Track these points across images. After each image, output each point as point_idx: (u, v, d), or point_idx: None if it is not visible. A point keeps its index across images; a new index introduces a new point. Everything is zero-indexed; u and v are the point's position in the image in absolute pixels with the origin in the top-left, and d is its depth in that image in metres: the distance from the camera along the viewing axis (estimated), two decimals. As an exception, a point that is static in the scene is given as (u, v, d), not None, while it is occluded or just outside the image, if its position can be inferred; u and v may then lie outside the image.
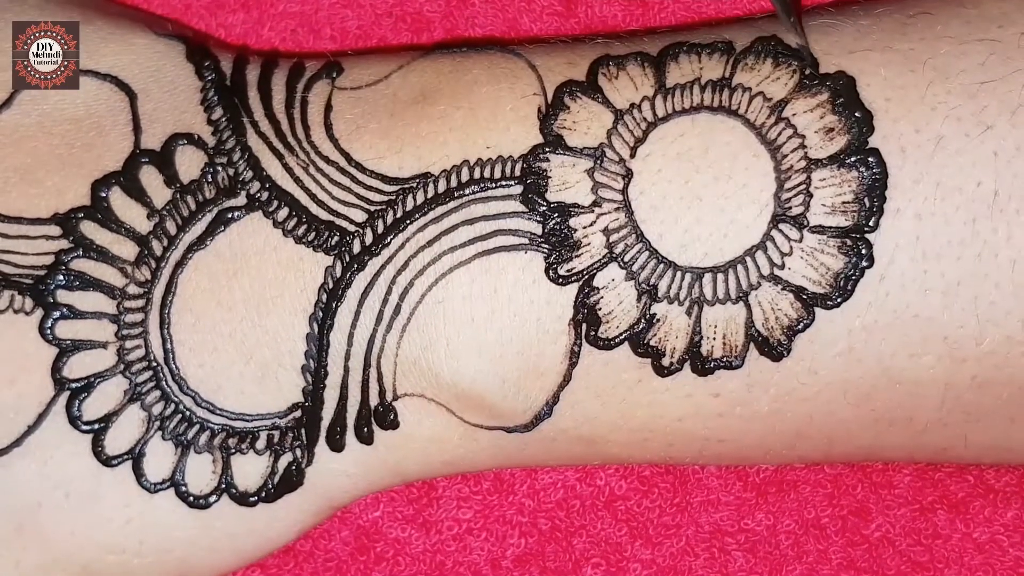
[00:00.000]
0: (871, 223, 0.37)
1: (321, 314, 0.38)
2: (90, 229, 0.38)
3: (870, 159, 0.37)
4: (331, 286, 0.38)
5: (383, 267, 0.38)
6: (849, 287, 0.37)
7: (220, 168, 0.39)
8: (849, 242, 0.37)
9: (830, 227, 0.37)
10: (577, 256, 0.37)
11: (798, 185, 0.37)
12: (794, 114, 0.37)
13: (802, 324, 0.37)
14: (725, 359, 0.38)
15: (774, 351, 0.37)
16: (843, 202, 0.37)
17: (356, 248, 0.38)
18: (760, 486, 0.45)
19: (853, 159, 0.37)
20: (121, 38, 0.41)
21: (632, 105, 0.38)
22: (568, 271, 0.37)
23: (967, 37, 0.38)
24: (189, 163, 0.39)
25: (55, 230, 0.38)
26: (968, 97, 0.37)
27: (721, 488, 0.45)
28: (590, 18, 0.46)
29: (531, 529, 0.45)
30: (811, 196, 0.37)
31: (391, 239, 0.38)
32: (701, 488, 0.45)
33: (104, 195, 0.38)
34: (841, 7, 0.40)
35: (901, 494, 0.45)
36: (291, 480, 0.39)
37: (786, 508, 0.45)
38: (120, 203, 0.39)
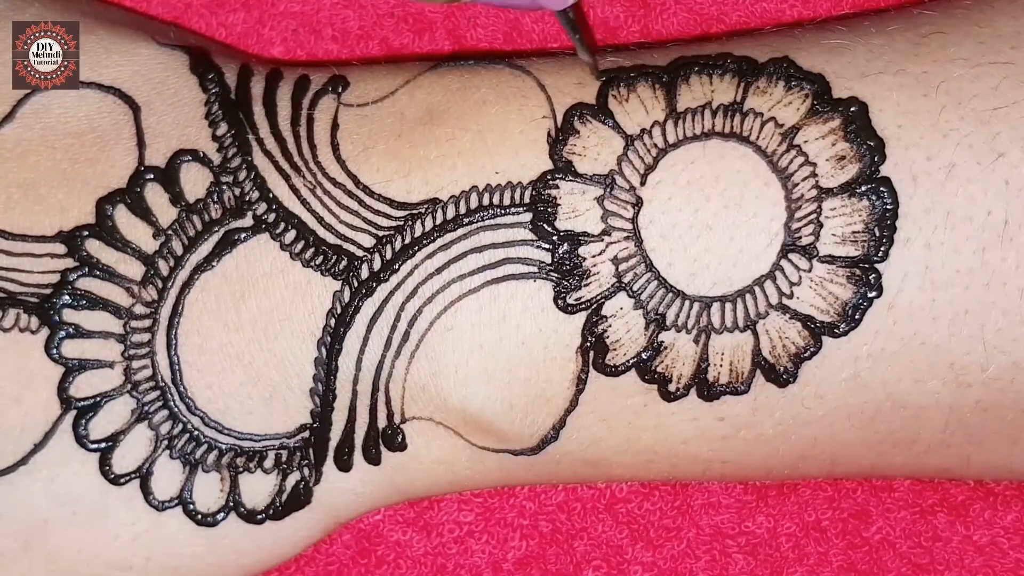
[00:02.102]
0: (881, 253, 0.37)
1: (329, 339, 0.38)
2: (95, 248, 0.39)
3: (881, 189, 0.37)
4: (339, 311, 0.38)
5: (392, 294, 0.38)
6: (857, 316, 0.37)
7: (226, 187, 0.39)
8: (858, 272, 0.37)
9: (840, 257, 0.37)
10: (586, 285, 0.38)
11: (809, 215, 0.37)
12: (805, 141, 0.37)
13: (809, 352, 0.38)
14: (731, 385, 0.38)
15: (780, 378, 0.38)
16: (853, 232, 0.37)
17: (364, 274, 0.38)
18: (760, 489, 0.46)
19: (864, 188, 0.37)
20: (124, 48, 0.40)
21: (643, 130, 0.38)
22: (577, 300, 0.38)
23: (980, 59, 0.38)
24: (194, 181, 0.39)
25: (60, 248, 0.38)
26: (981, 124, 0.37)
27: (722, 491, 0.46)
28: (592, 19, 0.45)
29: (532, 532, 0.45)
30: (821, 226, 0.37)
31: (399, 265, 0.38)
32: (702, 491, 0.46)
33: (109, 213, 0.38)
34: (852, 24, 0.40)
35: (901, 497, 0.46)
36: (298, 498, 0.39)
37: (787, 511, 0.46)
38: (125, 221, 0.39)
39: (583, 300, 0.38)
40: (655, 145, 0.38)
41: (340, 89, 0.40)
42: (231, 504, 0.39)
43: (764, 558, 0.46)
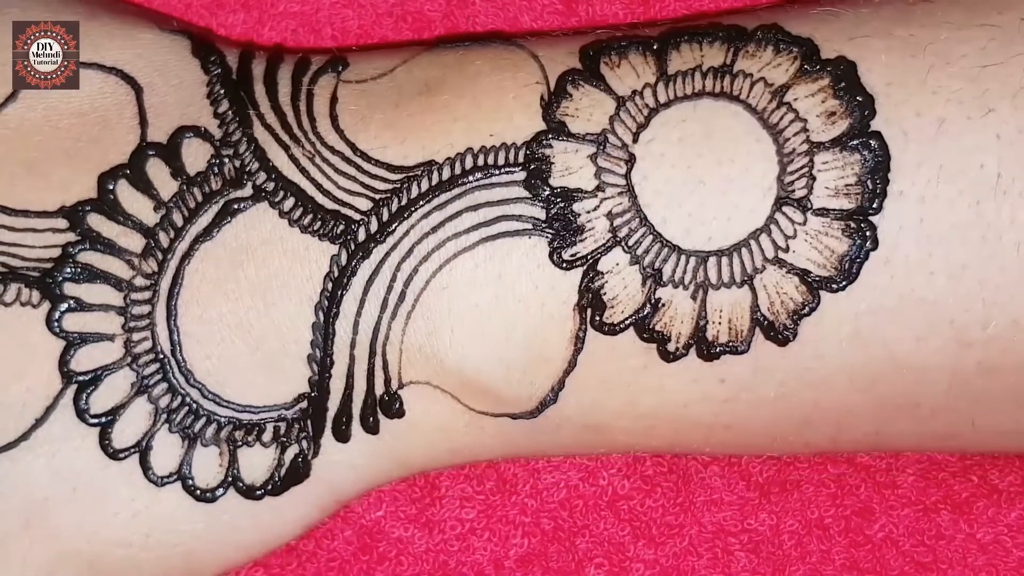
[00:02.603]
0: (875, 205, 0.37)
1: (326, 303, 0.38)
2: (97, 221, 0.38)
3: (872, 142, 0.37)
4: (336, 275, 0.38)
5: (387, 254, 0.38)
6: (854, 270, 0.37)
7: (226, 160, 0.39)
8: (853, 224, 0.37)
9: (834, 210, 0.37)
10: (581, 240, 0.37)
11: (801, 168, 0.37)
12: (795, 99, 0.37)
13: (807, 308, 0.37)
14: (731, 344, 0.38)
15: (780, 335, 0.38)
16: (846, 184, 0.37)
17: (361, 236, 0.38)
18: (763, 486, 0.45)
19: (855, 142, 0.37)
20: (126, 32, 0.41)
21: (634, 92, 0.38)
22: (572, 256, 0.37)
23: (967, 23, 0.38)
24: (195, 155, 0.39)
25: (62, 223, 0.38)
26: (969, 81, 0.37)
27: (724, 488, 0.45)
28: (591, 16, 0.46)
29: (534, 529, 0.45)
30: (814, 179, 0.37)
31: (396, 226, 0.38)
32: (704, 488, 0.45)
33: (111, 188, 0.38)
34: None
35: (905, 494, 0.45)
36: (297, 472, 0.39)
37: (789, 508, 0.45)
38: (127, 196, 0.39)
39: (579, 255, 0.38)
40: (646, 105, 0.38)
41: (340, 68, 0.40)
42: (230, 479, 0.39)
43: (766, 556, 0.45)
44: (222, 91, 0.40)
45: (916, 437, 0.41)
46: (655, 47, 0.39)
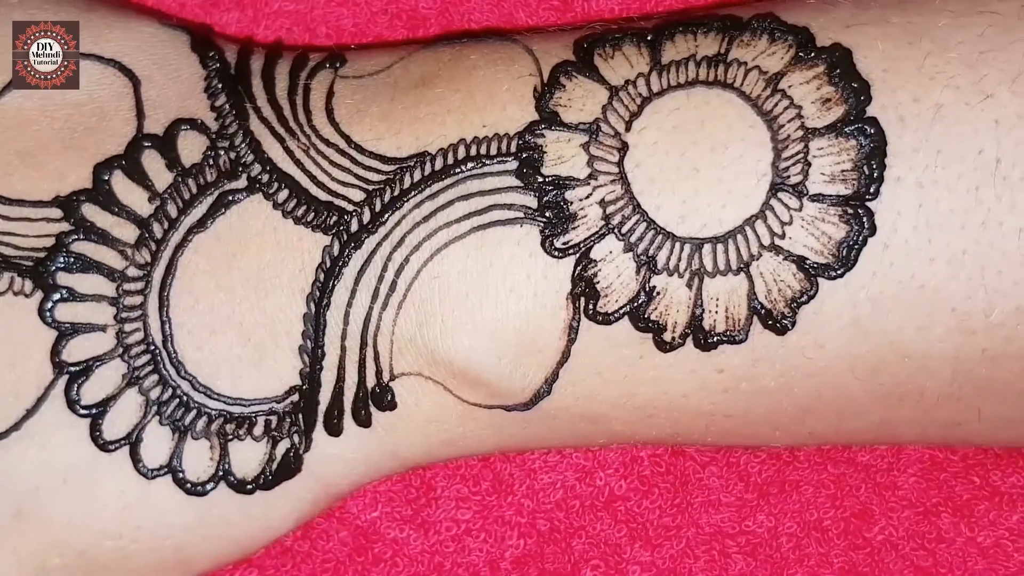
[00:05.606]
0: (872, 191, 0.35)
1: (318, 293, 0.37)
2: (91, 212, 0.37)
3: (868, 127, 0.36)
4: (328, 265, 0.37)
5: (379, 244, 0.37)
6: (852, 256, 0.36)
7: (222, 152, 0.38)
8: (850, 210, 0.35)
9: (830, 195, 0.36)
10: (574, 228, 0.36)
11: (796, 154, 0.36)
12: (790, 86, 0.36)
13: (805, 296, 0.36)
14: (728, 333, 0.36)
15: (778, 324, 0.36)
16: (842, 170, 0.36)
17: (354, 227, 0.37)
18: (761, 486, 0.44)
19: (851, 127, 0.36)
20: (126, 25, 0.40)
21: (627, 81, 0.37)
22: (565, 244, 0.36)
23: (967, 10, 0.37)
24: (191, 147, 0.38)
25: (56, 212, 0.37)
26: (967, 67, 0.36)
27: (722, 489, 0.44)
28: (587, 12, 0.45)
29: (530, 530, 0.44)
30: (809, 165, 0.36)
31: (388, 216, 0.37)
32: (702, 489, 0.44)
33: (106, 178, 0.37)
34: None
35: (905, 496, 0.44)
36: (289, 467, 0.38)
37: (788, 509, 0.44)
38: (122, 186, 0.37)
39: (571, 243, 0.36)
40: (639, 94, 0.37)
41: (338, 64, 0.39)
42: (221, 473, 0.37)
43: (764, 558, 0.44)
44: (220, 85, 0.39)
45: (921, 426, 0.39)
46: (649, 38, 0.38)
